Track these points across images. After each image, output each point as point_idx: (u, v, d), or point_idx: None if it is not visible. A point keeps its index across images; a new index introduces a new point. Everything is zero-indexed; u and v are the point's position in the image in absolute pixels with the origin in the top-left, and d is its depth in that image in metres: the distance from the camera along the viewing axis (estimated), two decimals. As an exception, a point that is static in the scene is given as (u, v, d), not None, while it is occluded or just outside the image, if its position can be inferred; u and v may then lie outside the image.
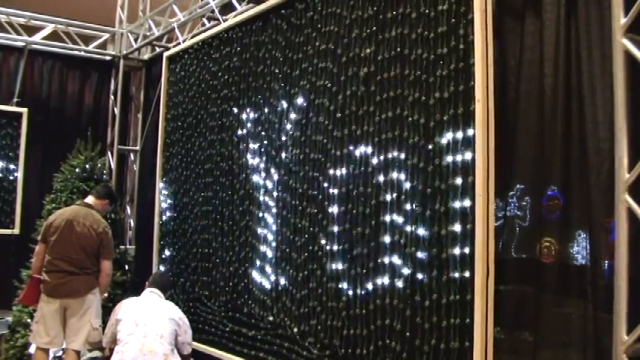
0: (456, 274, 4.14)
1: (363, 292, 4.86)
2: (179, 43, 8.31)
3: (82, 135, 8.77)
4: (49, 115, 9.93)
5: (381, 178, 4.77)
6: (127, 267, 8.64)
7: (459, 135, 4.21)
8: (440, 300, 4.23)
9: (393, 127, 4.71)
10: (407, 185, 4.56)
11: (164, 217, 7.93)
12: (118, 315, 5.76)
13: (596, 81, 3.89)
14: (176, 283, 7.37)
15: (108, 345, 5.99)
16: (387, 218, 4.69)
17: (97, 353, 6.62)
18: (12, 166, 9.24)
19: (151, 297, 5.98)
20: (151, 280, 6.35)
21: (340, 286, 5.07)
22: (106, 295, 6.95)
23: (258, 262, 6.09)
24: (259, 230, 6.10)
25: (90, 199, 6.74)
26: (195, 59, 7.52)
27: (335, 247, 5.15)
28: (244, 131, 6.46)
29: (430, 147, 4.41)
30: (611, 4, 3.62)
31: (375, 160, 4.85)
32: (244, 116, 6.48)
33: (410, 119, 4.58)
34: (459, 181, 4.18)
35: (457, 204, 4.18)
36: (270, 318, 5.85)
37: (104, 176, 8.70)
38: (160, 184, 8.05)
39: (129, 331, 5.59)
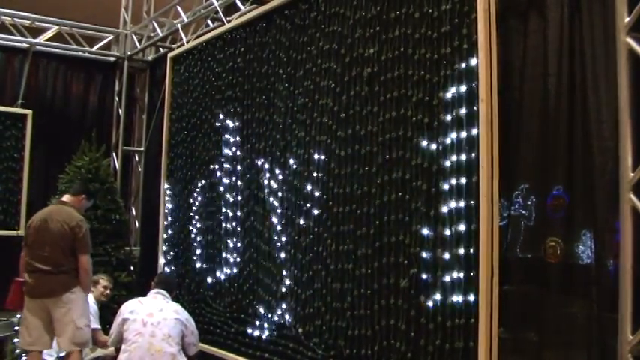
0: (461, 274, 4.14)
1: (367, 293, 4.86)
2: (183, 44, 8.32)
3: (86, 136, 8.79)
4: (53, 117, 9.92)
5: (385, 178, 4.77)
6: (132, 268, 8.65)
7: (463, 135, 4.21)
8: (444, 300, 4.23)
9: (397, 127, 4.71)
10: (411, 185, 4.56)
11: (169, 218, 7.94)
12: (124, 315, 5.77)
13: (600, 80, 3.89)
14: (181, 284, 7.37)
15: (114, 344, 5.99)
16: (392, 218, 4.69)
17: (99, 352, 6.60)
18: (17, 168, 9.24)
19: (158, 297, 5.99)
20: (157, 280, 6.35)
21: (345, 286, 5.07)
22: (108, 292, 6.94)
23: (263, 263, 6.09)
24: (264, 231, 6.11)
25: (65, 197, 6.62)
26: (199, 60, 7.53)
27: (340, 248, 5.15)
28: (249, 132, 6.46)
29: (434, 147, 4.41)
30: (614, 3, 3.62)
31: (379, 160, 4.84)
32: (248, 117, 6.48)
33: (414, 119, 4.58)
34: (463, 180, 4.18)
35: (461, 204, 4.18)
36: (275, 318, 5.85)
37: (109, 177, 8.71)
38: (164, 185, 8.06)
39: (136, 330, 5.60)
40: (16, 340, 7.75)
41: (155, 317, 5.70)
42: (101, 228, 8.17)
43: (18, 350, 7.58)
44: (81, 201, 6.69)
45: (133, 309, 5.80)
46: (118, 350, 5.92)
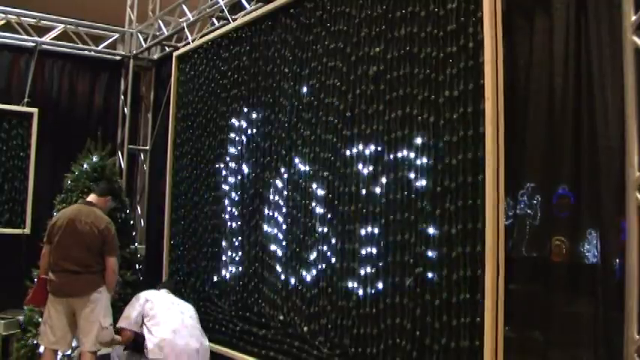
0: (467, 273, 4.13)
1: (373, 291, 4.86)
2: (188, 43, 8.32)
3: (92, 135, 8.78)
4: (59, 115, 9.92)
5: (391, 177, 4.77)
6: (137, 266, 8.65)
7: (469, 133, 4.20)
8: (450, 299, 4.23)
9: (403, 125, 4.71)
10: (417, 184, 4.56)
11: (174, 217, 7.95)
12: (147, 296, 6.05)
13: (606, 79, 3.88)
14: (186, 283, 7.39)
15: (130, 327, 6.06)
16: (397, 217, 4.69)
17: (104, 350, 6.62)
18: (23, 166, 9.25)
19: (170, 295, 6.29)
20: (162, 285, 6.61)
21: (350, 285, 5.07)
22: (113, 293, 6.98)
23: (268, 262, 6.10)
24: (269, 229, 6.11)
25: (91, 197, 6.68)
26: (205, 59, 7.53)
27: (345, 246, 5.15)
28: (254, 130, 6.47)
29: (440, 145, 4.40)
30: (621, 2, 3.61)
31: (384, 159, 4.84)
32: (254, 115, 6.48)
33: (419, 118, 4.57)
34: (469, 179, 4.17)
35: (467, 202, 4.17)
36: (281, 317, 5.85)
37: (114, 176, 8.71)
38: (170, 184, 8.06)
39: (166, 307, 5.99)
40: (17, 338, 7.81)
41: (179, 300, 6.30)
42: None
43: (23, 350, 7.61)
44: (107, 202, 6.77)
45: (155, 294, 6.25)
46: (127, 337, 6.08)
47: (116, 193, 7.15)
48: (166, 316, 5.91)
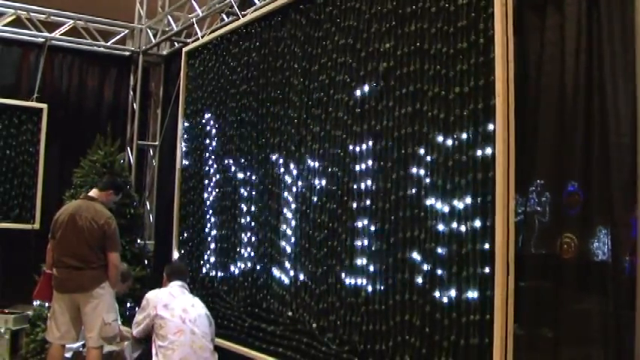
0: (476, 270, 4.12)
1: (382, 288, 4.85)
2: (198, 39, 8.31)
3: (101, 130, 8.80)
4: (68, 111, 9.95)
5: (401, 174, 4.75)
6: (146, 262, 8.67)
7: (479, 130, 4.18)
8: (460, 296, 4.22)
9: (413, 122, 4.69)
10: (426, 181, 4.54)
11: (183, 212, 7.95)
12: (157, 310, 5.81)
13: (618, 75, 3.86)
14: (195, 278, 7.39)
15: (139, 335, 6.01)
16: (407, 214, 4.68)
17: (113, 347, 6.62)
18: (32, 162, 9.28)
19: (185, 292, 6.12)
20: (172, 271, 6.45)
21: (359, 281, 5.06)
22: (127, 287, 6.97)
23: (277, 258, 6.09)
24: (278, 225, 6.11)
25: (93, 192, 6.63)
26: (214, 54, 7.53)
27: (354, 243, 5.14)
28: (263, 126, 6.46)
29: (450, 142, 4.39)
30: (633, -2, 3.60)
31: (394, 155, 4.83)
32: (263, 111, 6.48)
33: (429, 114, 4.56)
34: (479, 176, 4.16)
35: (477, 199, 4.16)
36: (289, 313, 5.85)
37: (123, 172, 8.73)
38: (178, 179, 8.07)
39: (177, 327, 5.72)
40: (27, 333, 7.84)
41: (191, 314, 5.86)
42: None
43: (32, 345, 7.63)
44: (109, 196, 6.71)
45: (166, 303, 5.87)
46: (136, 340, 6.02)
47: (119, 186, 7.08)
48: (177, 342, 5.66)
